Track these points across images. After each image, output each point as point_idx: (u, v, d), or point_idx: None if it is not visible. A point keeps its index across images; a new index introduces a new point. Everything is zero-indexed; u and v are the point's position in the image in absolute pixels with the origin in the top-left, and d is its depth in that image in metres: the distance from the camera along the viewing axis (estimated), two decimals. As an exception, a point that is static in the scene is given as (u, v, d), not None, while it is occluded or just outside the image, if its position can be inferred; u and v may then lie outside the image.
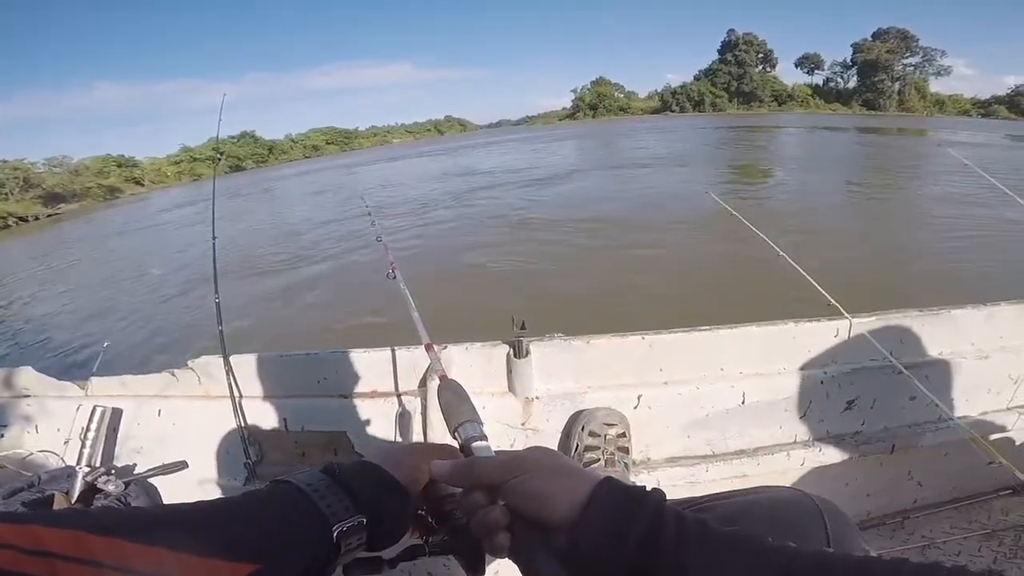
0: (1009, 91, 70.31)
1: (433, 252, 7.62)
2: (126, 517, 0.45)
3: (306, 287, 6.99)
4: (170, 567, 0.38)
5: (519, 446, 1.37)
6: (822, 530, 0.59)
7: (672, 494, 1.44)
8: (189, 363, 1.45)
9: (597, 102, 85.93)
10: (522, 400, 1.35)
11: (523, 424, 1.36)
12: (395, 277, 1.12)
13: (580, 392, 1.35)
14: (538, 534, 0.46)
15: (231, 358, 1.38)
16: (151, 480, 1.25)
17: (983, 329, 1.48)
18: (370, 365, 1.38)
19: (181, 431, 1.45)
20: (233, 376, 1.37)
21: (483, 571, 0.57)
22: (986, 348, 1.47)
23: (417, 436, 1.34)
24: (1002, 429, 1.51)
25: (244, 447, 1.33)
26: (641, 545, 0.41)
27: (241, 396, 1.39)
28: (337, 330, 5.23)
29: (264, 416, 1.39)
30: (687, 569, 0.40)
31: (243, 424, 1.33)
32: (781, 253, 1.52)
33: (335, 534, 0.47)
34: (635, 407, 1.35)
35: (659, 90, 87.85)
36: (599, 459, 1.25)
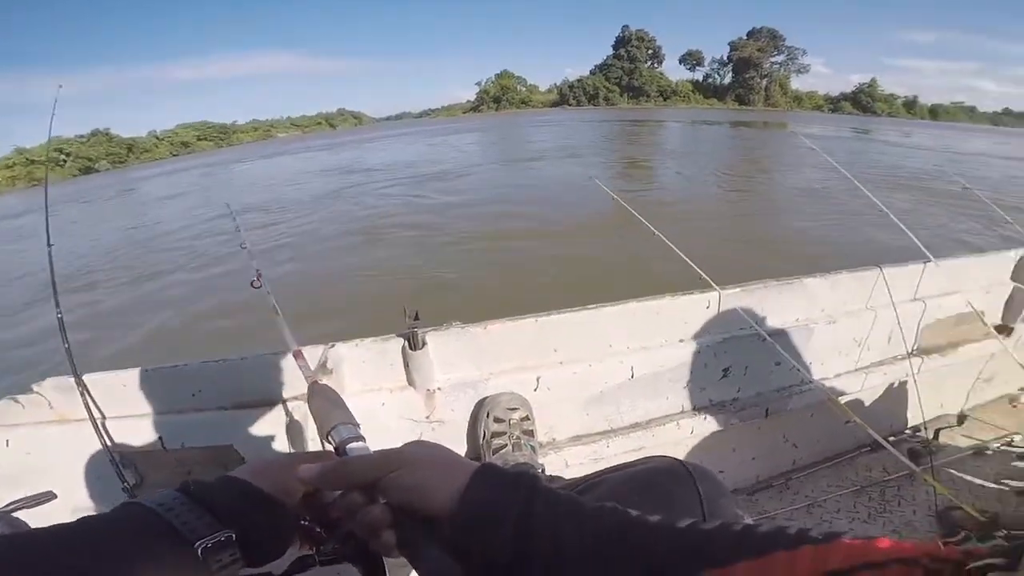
0: (854, 89, 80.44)
1: (309, 255, 7.23)
2: None
3: (168, 299, 6.36)
4: None
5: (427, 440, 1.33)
6: (695, 495, 0.62)
7: (579, 471, 1.47)
8: (34, 387, 1.28)
9: (500, 95, 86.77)
10: (423, 393, 1.32)
11: (428, 417, 1.34)
12: (260, 285, 1.09)
13: (481, 379, 1.35)
14: (422, 527, 0.45)
15: (85, 377, 1.24)
16: (16, 515, 1.11)
17: (830, 296, 1.65)
18: (252, 373, 1.28)
19: (38, 461, 1.29)
20: (90, 396, 1.24)
21: (384, 574, 0.55)
22: (834, 313, 1.65)
23: (313, 443, 1.27)
24: (854, 389, 1.71)
25: (117, 471, 1.21)
26: (517, 527, 0.42)
27: (104, 417, 1.26)
28: (208, 340, 4.83)
29: (135, 436, 1.26)
30: (560, 547, 0.41)
31: (111, 447, 1.21)
32: (657, 233, 1.60)
33: (199, 551, 0.44)
34: (535, 389, 1.38)
35: (558, 84, 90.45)
36: (506, 444, 1.26)
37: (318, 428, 0.60)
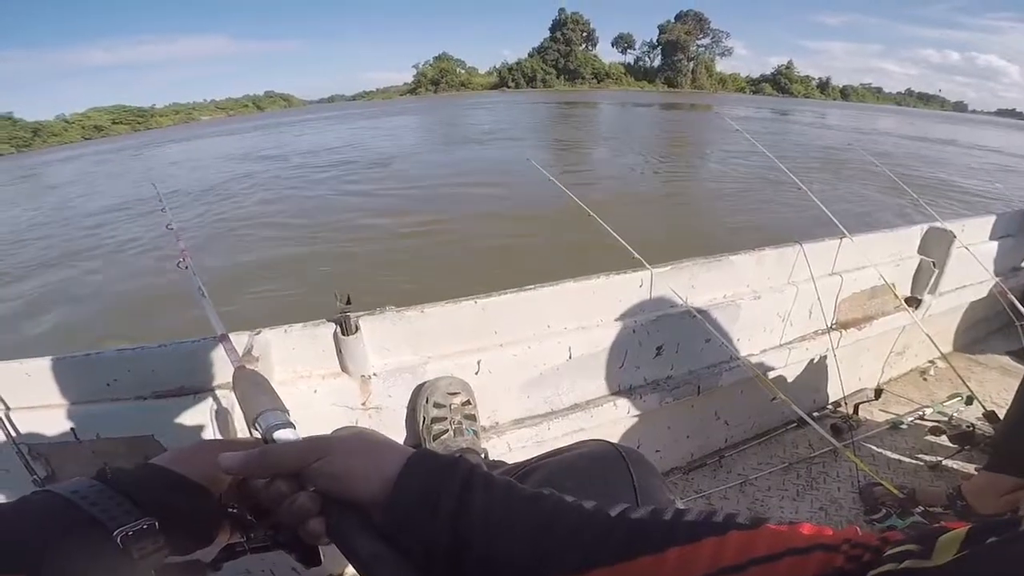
0: (772, 71, 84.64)
1: (232, 241, 6.86)
2: None
3: (80, 284, 5.87)
4: None
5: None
6: (629, 480, 0.64)
7: (522, 455, 1.45)
8: None
9: (439, 77, 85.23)
10: (358, 379, 1.27)
11: (363, 404, 1.29)
12: (187, 267, 1.06)
13: (420, 364, 1.31)
14: (354, 514, 0.44)
15: None
16: None
17: (755, 272, 1.71)
18: (172, 360, 1.20)
19: None
20: None
21: (319, 561, 0.53)
22: (759, 289, 1.71)
23: (241, 432, 1.19)
24: (779, 365, 1.77)
25: (25, 463, 1.13)
26: (453, 514, 0.41)
27: (8, 408, 1.18)
28: (128, 327, 4.50)
29: (44, 427, 1.18)
30: (495, 533, 0.41)
31: (17, 439, 1.14)
32: (591, 214, 1.59)
33: (119, 539, 0.41)
34: (476, 373, 1.35)
35: (497, 66, 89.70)
36: (447, 430, 1.23)
37: (244, 415, 0.57)
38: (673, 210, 7.67)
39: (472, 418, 1.29)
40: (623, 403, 1.52)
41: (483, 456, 1.25)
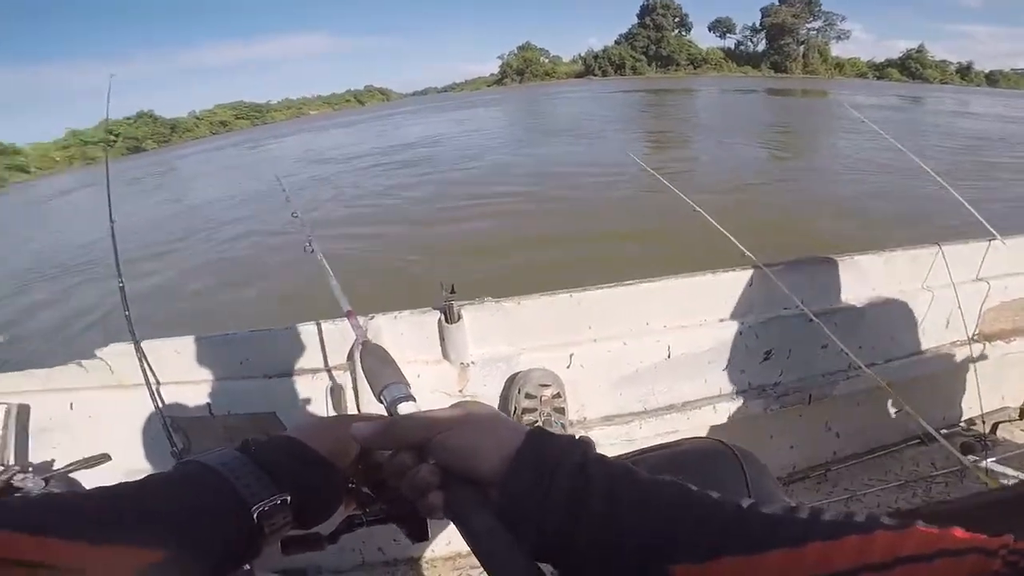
0: (901, 55, 76.34)
1: (354, 227, 7.28)
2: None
3: (219, 269, 6.52)
4: (62, 557, 0.35)
5: None
6: (741, 478, 0.62)
7: (608, 452, 1.44)
8: (98, 353, 1.35)
9: (524, 67, 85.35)
10: (457, 366, 1.32)
11: (460, 391, 1.33)
12: (313, 250, 1.13)
13: (514, 354, 1.33)
14: (471, 490, 0.44)
15: (143, 344, 1.31)
16: (72, 475, 1.20)
17: (882, 274, 1.55)
18: (294, 342, 1.32)
19: (97, 423, 1.37)
20: (147, 363, 1.31)
21: (426, 536, 0.55)
22: (887, 293, 1.54)
23: (351, 410, 1.30)
24: (906, 376, 1.59)
25: (168, 435, 1.27)
26: (569, 494, 0.40)
27: (159, 383, 1.32)
28: (258, 311, 4.93)
29: (186, 402, 1.33)
30: (614, 515, 0.39)
31: (164, 412, 1.27)
32: (697, 208, 1.52)
33: (255, 514, 0.44)
34: (568, 366, 1.35)
35: (582, 54, 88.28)
36: (536, 421, 1.25)
37: (371, 387, 0.60)
38: (787, 204, 7.07)
39: (561, 411, 1.29)
40: (723, 407, 1.44)
41: None
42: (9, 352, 4.56)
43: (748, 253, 1.42)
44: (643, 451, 0.76)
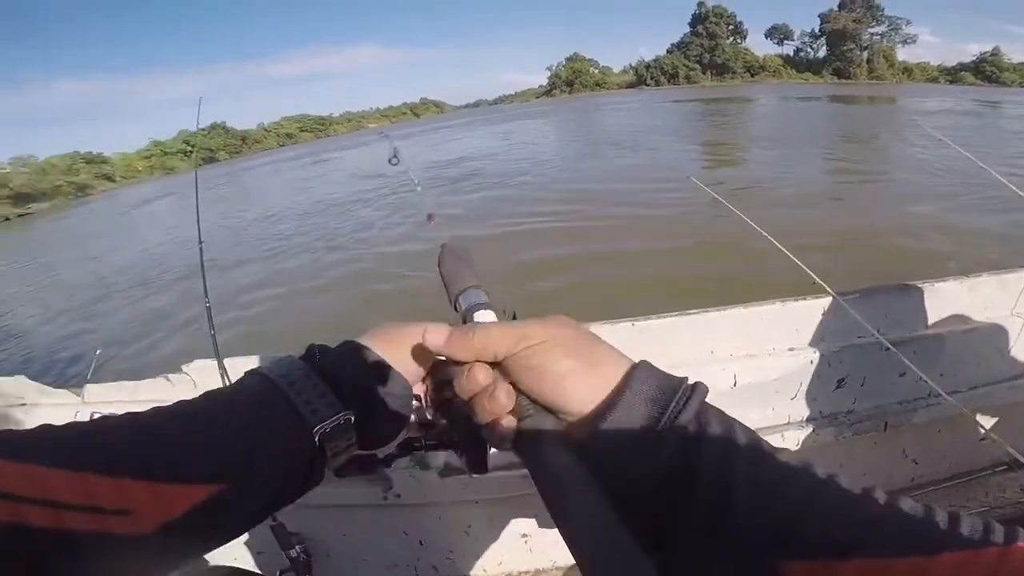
0: (974, 58, 71.79)
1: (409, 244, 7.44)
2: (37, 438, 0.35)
3: (310, 277, 6.83)
4: (101, 496, 0.32)
5: None
6: None
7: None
8: (183, 367, 1.44)
9: (573, 78, 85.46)
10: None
11: None
12: (435, 223, 1.15)
13: None
14: (552, 421, 0.38)
15: (226, 361, 1.37)
16: None
17: (966, 301, 1.47)
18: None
19: None
20: (228, 378, 1.36)
21: (485, 468, 0.49)
22: (971, 320, 1.47)
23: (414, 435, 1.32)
24: (991, 403, 1.51)
25: None
26: (682, 445, 0.34)
27: None
28: (342, 326, 5.14)
29: None
30: (731, 490, 0.32)
31: None
32: (764, 234, 1.49)
33: (317, 437, 0.40)
34: None
35: (633, 64, 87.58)
36: None
37: (447, 291, 0.55)
38: (859, 227, 6.52)
39: None
40: (792, 434, 1.40)
41: None
42: (109, 363, 4.92)
43: (819, 281, 1.39)
44: None
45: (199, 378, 1.43)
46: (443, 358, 0.44)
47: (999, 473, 1.66)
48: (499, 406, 0.38)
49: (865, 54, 73.39)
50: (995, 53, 70.02)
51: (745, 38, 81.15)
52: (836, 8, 74.18)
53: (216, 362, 1.37)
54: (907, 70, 73.74)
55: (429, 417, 0.51)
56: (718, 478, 0.33)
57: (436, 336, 0.42)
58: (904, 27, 72.86)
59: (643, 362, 0.39)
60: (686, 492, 0.33)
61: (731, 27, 79.89)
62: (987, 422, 1.48)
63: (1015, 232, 5.23)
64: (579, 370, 0.37)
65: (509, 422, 0.39)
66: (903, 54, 75.19)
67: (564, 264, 5.86)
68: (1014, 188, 1.68)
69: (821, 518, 0.32)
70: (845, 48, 73.10)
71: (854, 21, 72.02)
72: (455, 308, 0.52)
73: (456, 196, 10.18)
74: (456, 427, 0.48)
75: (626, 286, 5.02)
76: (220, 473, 0.36)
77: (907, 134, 14.07)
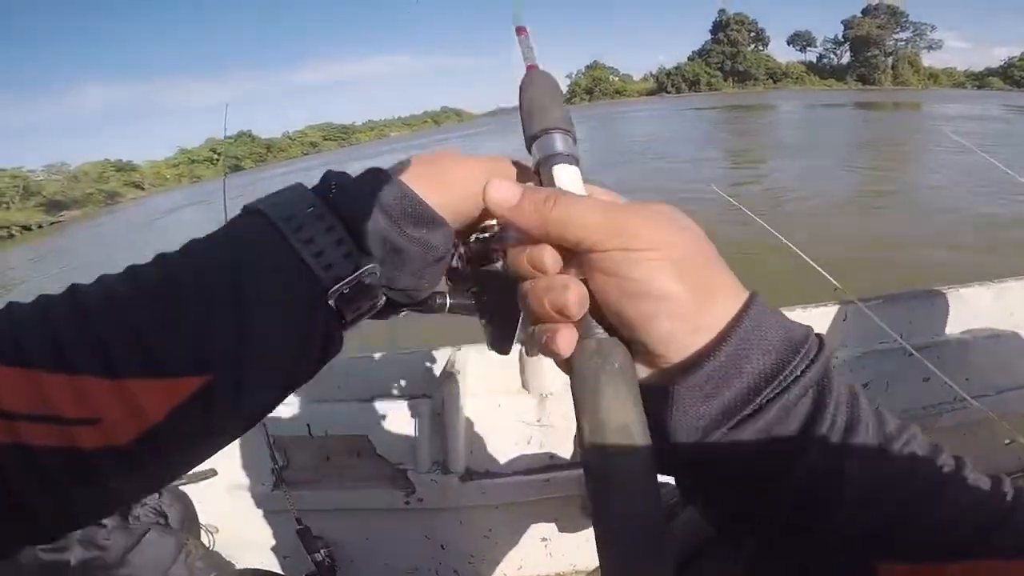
0: (1002, 63, 70.28)
1: None
2: None
3: None
4: (55, 400, 0.25)
5: (535, 444, 1.39)
6: None
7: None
8: None
9: (593, 86, 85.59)
10: (537, 397, 1.37)
11: (539, 421, 1.38)
12: None
13: None
14: (621, 356, 0.29)
15: None
16: (183, 488, 1.26)
17: (993, 307, 1.48)
18: (388, 368, 1.41)
19: None
20: None
21: (508, 350, 0.41)
22: (997, 326, 1.47)
23: (437, 441, 1.36)
24: (1017, 408, 1.51)
25: (271, 453, 1.36)
26: (809, 423, 0.27)
27: None
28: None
29: (288, 422, 1.43)
30: (844, 472, 0.26)
31: (268, 431, 1.37)
32: (785, 241, 1.51)
33: (333, 300, 0.31)
34: None
35: (654, 72, 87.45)
36: None
37: (524, 127, 0.39)
38: (881, 234, 6.45)
39: None
40: None
41: None
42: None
43: (840, 287, 1.40)
44: None
45: None
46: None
47: (1025, 476, 1.64)
48: (564, 310, 0.28)
49: (890, 60, 72.36)
50: (1022, 58, 68.41)
51: (767, 45, 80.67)
52: (859, 14, 73.39)
53: None
54: (933, 75, 72.51)
55: (455, 265, 0.40)
56: (829, 464, 0.26)
57: (502, 193, 0.30)
58: (929, 33, 71.89)
59: (759, 298, 0.29)
60: (788, 473, 0.26)
61: (752, 34, 79.47)
62: (1015, 426, 1.47)
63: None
64: (685, 301, 0.27)
65: (568, 337, 0.29)
66: (928, 60, 74.01)
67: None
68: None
69: (936, 518, 0.27)
70: (869, 54, 72.21)
71: (878, 27, 71.15)
72: (530, 152, 0.37)
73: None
74: (489, 294, 0.40)
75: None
76: (207, 359, 0.28)
77: (931, 140, 13.78)
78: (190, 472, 1.21)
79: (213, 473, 1.31)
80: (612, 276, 0.28)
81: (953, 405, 1.45)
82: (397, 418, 1.39)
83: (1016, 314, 1.49)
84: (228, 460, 1.44)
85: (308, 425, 1.42)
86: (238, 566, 1.31)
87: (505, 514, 1.44)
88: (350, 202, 0.33)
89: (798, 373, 0.27)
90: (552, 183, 0.33)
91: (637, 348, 0.29)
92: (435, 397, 1.37)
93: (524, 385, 1.39)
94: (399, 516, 1.43)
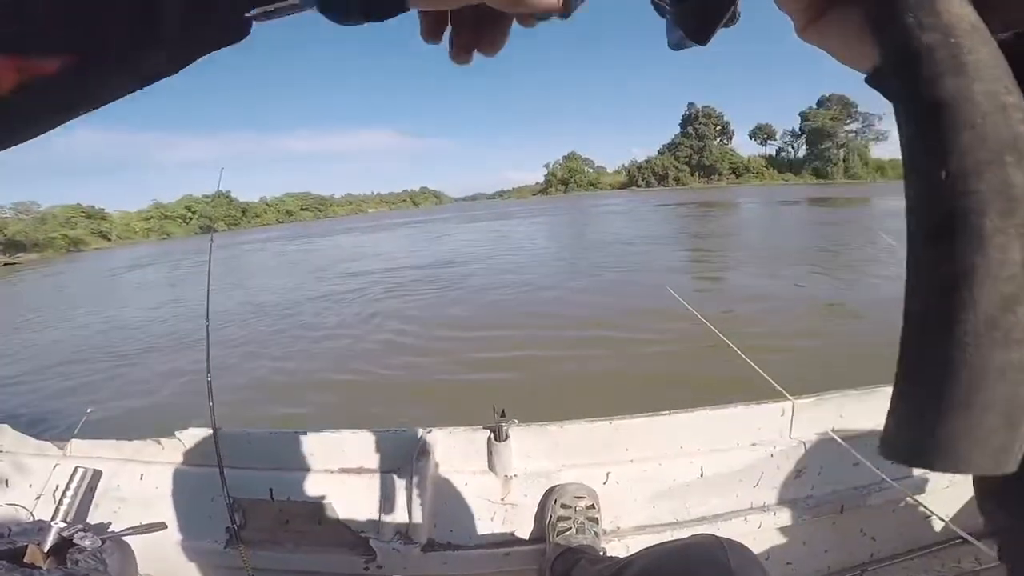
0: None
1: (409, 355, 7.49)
2: None
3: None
4: None
5: (498, 521, 1.49)
6: (726, 566, 0.69)
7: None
8: (177, 433, 1.53)
9: (568, 176, 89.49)
10: (501, 478, 1.48)
11: (502, 499, 1.48)
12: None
13: (554, 470, 1.49)
14: None
15: (220, 431, 1.47)
16: (126, 539, 1.25)
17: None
18: (358, 444, 1.50)
19: (163, 496, 1.51)
20: (219, 448, 1.44)
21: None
22: None
23: (402, 513, 1.43)
24: (940, 485, 1.66)
25: (229, 512, 1.38)
26: None
27: (227, 466, 1.44)
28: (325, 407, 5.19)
29: (250, 485, 1.46)
30: None
31: (228, 491, 1.39)
32: (731, 345, 1.73)
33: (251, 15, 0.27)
34: (604, 483, 1.49)
35: (626, 165, 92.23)
36: (570, 528, 1.37)
37: None
38: (821, 338, 6.45)
39: (595, 520, 1.40)
40: (754, 518, 1.53)
41: (601, 552, 1.36)
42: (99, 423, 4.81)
43: (779, 388, 1.58)
44: (650, 547, 0.85)
45: (191, 444, 1.52)
46: None
47: (954, 546, 1.74)
48: None
49: (842, 152, 77.51)
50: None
51: (731, 139, 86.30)
52: (815, 106, 79.40)
53: (210, 430, 1.47)
54: (880, 168, 77.81)
55: None
56: None
57: None
58: (876, 123, 77.56)
59: None
60: None
61: (719, 127, 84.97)
62: (942, 499, 1.63)
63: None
64: None
65: None
66: (877, 150, 79.61)
67: (548, 363, 5.97)
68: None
69: None
70: (823, 147, 77.50)
71: (831, 119, 76.82)
72: None
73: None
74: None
75: (604, 388, 5.12)
76: (64, 38, 0.24)
77: (871, 240, 14.07)
78: (138, 524, 1.23)
79: (163, 526, 1.28)
80: None
81: (881, 485, 1.59)
82: (363, 490, 1.46)
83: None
84: (182, 516, 1.46)
85: (271, 489, 1.46)
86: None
87: (468, 587, 1.48)
88: None
89: None
90: None
91: None
92: (402, 471, 1.44)
93: (490, 467, 1.48)
94: (357, 583, 1.45)
